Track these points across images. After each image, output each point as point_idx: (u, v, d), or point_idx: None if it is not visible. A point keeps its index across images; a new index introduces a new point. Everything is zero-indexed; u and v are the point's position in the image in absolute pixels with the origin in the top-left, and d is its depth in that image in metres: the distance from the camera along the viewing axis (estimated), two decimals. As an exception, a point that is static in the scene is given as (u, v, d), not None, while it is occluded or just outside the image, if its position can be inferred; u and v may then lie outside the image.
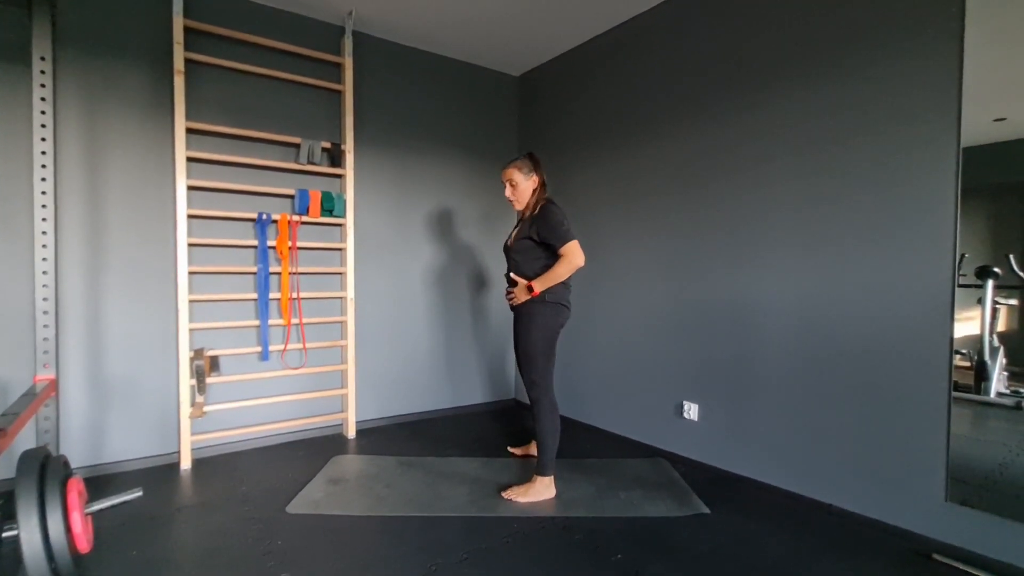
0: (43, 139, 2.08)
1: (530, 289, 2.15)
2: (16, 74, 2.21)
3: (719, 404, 2.49)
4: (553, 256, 2.16)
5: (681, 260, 2.66)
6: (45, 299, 2.11)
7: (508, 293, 2.28)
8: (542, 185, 2.30)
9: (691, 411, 2.60)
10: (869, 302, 1.97)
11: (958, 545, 1.76)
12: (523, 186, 2.28)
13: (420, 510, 2.09)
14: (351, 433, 3.03)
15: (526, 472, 2.43)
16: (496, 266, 3.66)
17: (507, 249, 2.33)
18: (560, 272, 2.11)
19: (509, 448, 2.76)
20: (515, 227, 2.36)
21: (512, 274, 2.26)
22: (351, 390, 3.02)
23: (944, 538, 1.79)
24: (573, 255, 2.11)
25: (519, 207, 2.33)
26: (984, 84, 1.69)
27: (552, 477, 2.23)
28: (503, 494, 2.21)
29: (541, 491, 2.20)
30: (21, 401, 1.85)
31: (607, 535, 1.91)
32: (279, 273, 2.81)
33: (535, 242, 2.19)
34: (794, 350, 2.20)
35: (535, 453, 2.51)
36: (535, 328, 2.19)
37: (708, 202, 2.53)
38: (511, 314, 2.44)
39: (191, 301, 2.59)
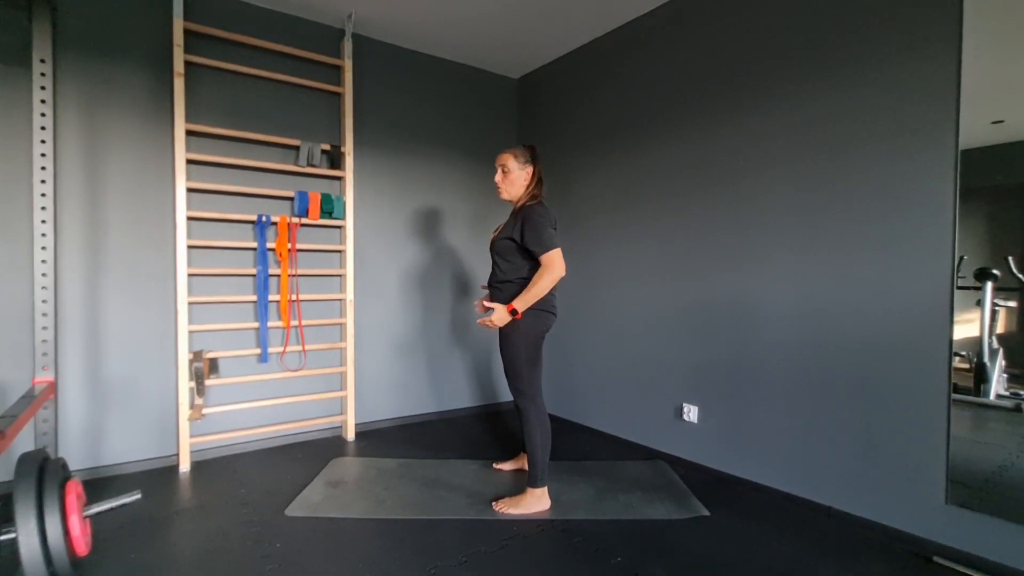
0: (43, 141, 2.09)
1: (514, 312, 2.03)
2: (16, 76, 2.21)
3: (719, 406, 2.49)
4: (533, 261, 2.07)
5: (681, 263, 2.66)
6: (44, 301, 2.11)
7: (483, 312, 2.14)
8: (538, 181, 2.18)
9: (691, 413, 2.60)
10: (868, 305, 1.97)
11: (958, 548, 1.76)
12: (515, 175, 2.17)
13: (419, 513, 2.09)
14: (350, 435, 3.02)
15: (521, 479, 2.38)
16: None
17: (491, 246, 2.25)
18: (542, 286, 2.00)
19: (495, 465, 2.57)
20: (503, 222, 2.27)
21: (486, 302, 2.17)
22: (350, 392, 3.02)
23: (944, 541, 1.79)
24: (554, 265, 1.99)
25: (506, 196, 2.22)
26: (982, 87, 1.70)
27: (545, 488, 2.14)
28: (494, 506, 2.12)
29: (532, 504, 2.10)
30: (20, 403, 1.85)
31: (606, 538, 1.91)
32: (278, 275, 2.81)
33: (516, 244, 2.09)
34: (794, 352, 2.20)
35: (522, 465, 2.47)
36: (518, 336, 2.09)
37: (708, 205, 2.53)
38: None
39: (190, 303, 2.59)
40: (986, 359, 1.74)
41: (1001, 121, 1.67)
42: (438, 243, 3.48)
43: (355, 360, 3.09)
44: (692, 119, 2.60)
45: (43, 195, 2.10)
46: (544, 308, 2.12)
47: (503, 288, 2.16)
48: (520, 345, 2.10)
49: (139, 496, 1.79)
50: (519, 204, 2.18)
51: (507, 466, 2.55)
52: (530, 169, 2.18)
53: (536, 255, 2.03)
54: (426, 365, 3.43)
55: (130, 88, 2.47)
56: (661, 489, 2.33)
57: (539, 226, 2.02)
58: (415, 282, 3.38)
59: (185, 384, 2.54)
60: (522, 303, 2.02)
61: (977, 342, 1.75)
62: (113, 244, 2.46)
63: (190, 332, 2.59)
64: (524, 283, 2.08)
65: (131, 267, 2.49)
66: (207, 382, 2.59)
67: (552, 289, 2.12)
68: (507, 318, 2.06)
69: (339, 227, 3.04)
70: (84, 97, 2.38)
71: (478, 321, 2.17)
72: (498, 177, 2.22)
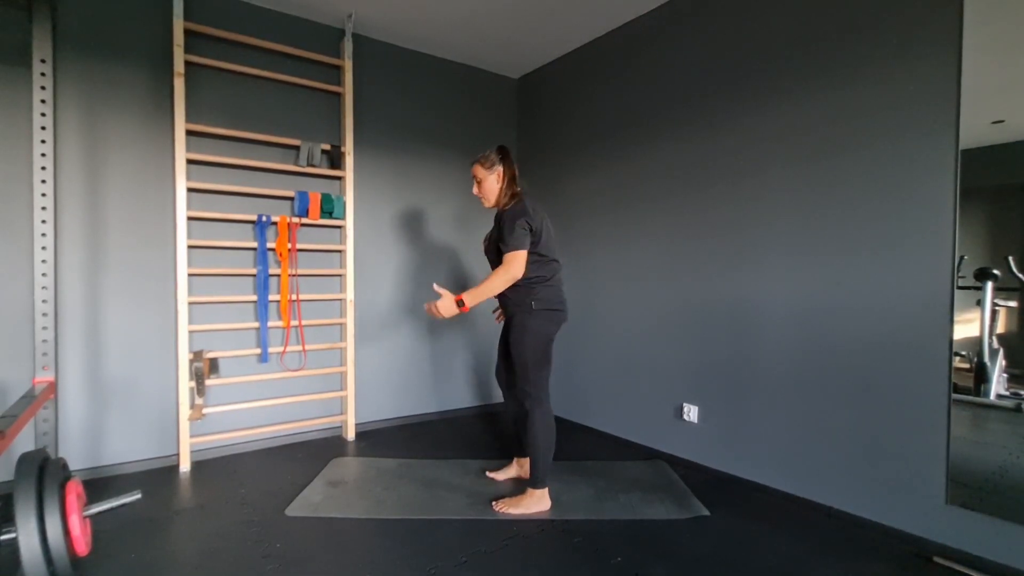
0: (43, 141, 2.09)
1: (460, 303, 2.00)
2: (16, 76, 2.21)
3: (719, 406, 2.49)
4: (534, 259, 2.05)
5: (681, 263, 2.66)
6: (44, 301, 2.11)
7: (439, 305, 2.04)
8: (511, 179, 2.15)
9: (691, 413, 2.60)
10: (868, 304, 1.97)
11: (959, 548, 1.76)
12: (487, 181, 2.17)
13: (419, 513, 2.09)
14: (350, 435, 3.02)
15: (516, 487, 2.33)
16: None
17: (486, 253, 2.24)
18: (494, 285, 1.98)
19: (488, 473, 2.46)
20: (491, 228, 2.25)
21: (436, 286, 2.11)
22: (351, 392, 3.02)
23: (945, 541, 1.79)
24: (510, 265, 1.97)
25: (487, 204, 2.22)
26: (982, 87, 1.70)
27: (546, 490, 2.13)
28: (494, 506, 2.12)
29: (533, 504, 2.09)
30: (20, 403, 1.85)
31: (607, 538, 1.91)
32: (279, 275, 2.81)
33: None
34: (794, 352, 2.20)
35: (516, 475, 2.42)
36: (527, 337, 2.07)
37: (708, 205, 2.53)
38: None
39: (190, 303, 2.59)
40: (986, 359, 1.74)
41: (1001, 121, 1.67)
42: (438, 243, 3.48)
43: (355, 360, 3.09)
44: (692, 119, 2.60)
45: (43, 195, 2.10)
46: (552, 307, 2.10)
47: (512, 298, 2.13)
48: (530, 346, 2.08)
49: (139, 496, 1.79)
50: (501, 207, 2.16)
51: (500, 475, 2.44)
52: (499, 170, 2.16)
53: (503, 252, 2.02)
54: (426, 365, 3.43)
55: (130, 88, 2.47)
56: (661, 489, 2.33)
57: (511, 226, 2.01)
58: (415, 282, 3.37)
59: (185, 384, 2.54)
60: (471, 298, 2.00)
61: (977, 342, 1.75)
62: (113, 244, 2.46)
63: (190, 332, 2.59)
64: (529, 283, 2.07)
65: (131, 267, 2.49)
66: (207, 382, 2.59)
67: (556, 286, 2.13)
68: (454, 309, 2.01)
69: (339, 227, 3.04)
70: (84, 97, 2.38)
71: (425, 305, 2.11)
72: (475, 189, 2.23)
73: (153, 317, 2.54)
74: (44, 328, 2.11)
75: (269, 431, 2.84)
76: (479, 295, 2.00)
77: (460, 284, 3.57)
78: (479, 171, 2.19)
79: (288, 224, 2.81)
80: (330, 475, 2.46)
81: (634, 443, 2.92)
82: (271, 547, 1.82)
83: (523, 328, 2.08)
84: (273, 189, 2.80)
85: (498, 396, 3.76)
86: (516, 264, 1.98)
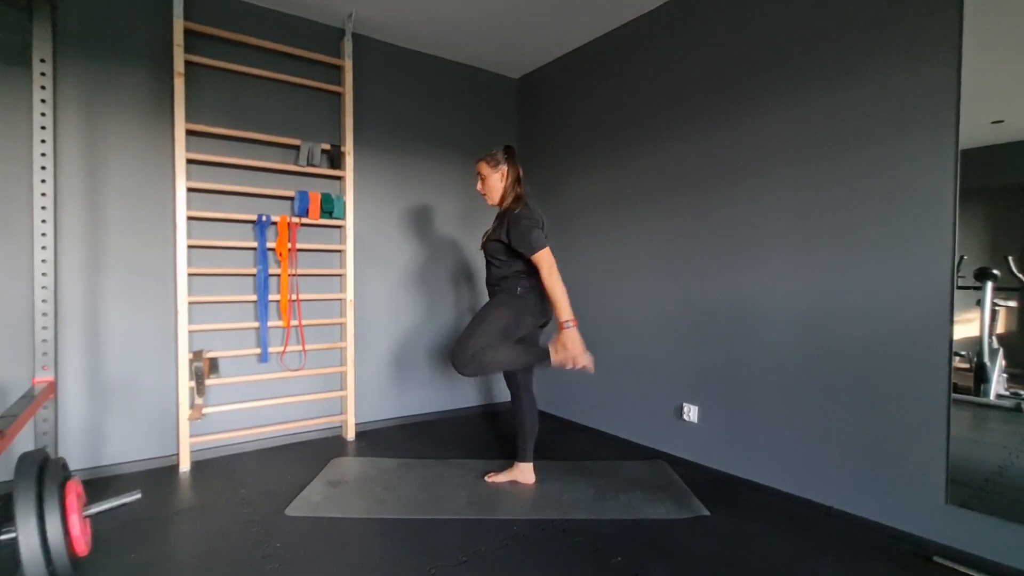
0: (43, 141, 2.08)
1: (568, 324, 2.02)
2: (16, 76, 2.21)
3: (719, 406, 2.49)
4: (524, 261, 2.11)
5: (681, 263, 2.66)
6: (44, 300, 2.10)
7: (564, 355, 2.05)
8: (516, 180, 2.21)
9: (691, 413, 2.60)
10: (868, 304, 1.97)
11: (958, 547, 1.76)
12: (491, 179, 2.23)
13: (419, 512, 2.09)
14: (350, 435, 3.02)
15: (518, 489, 2.32)
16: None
17: (483, 248, 2.29)
18: (557, 289, 2.01)
19: (487, 478, 2.39)
20: (491, 224, 2.30)
21: (553, 361, 2.09)
22: (350, 392, 3.02)
23: (944, 540, 1.79)
24: (544, 263, 2.03)
25: (490, 202, 2.28)
26: (982, 87, 1.70)
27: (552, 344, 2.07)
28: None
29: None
30: (20, 403, 1.85)
31: (607, 537, 1.91)
32: (278, 275, 2.81)
33: (505, 245, 2.14)
34: (794, 352, 2.20)
35: (518, 478, 2.38)
36: (503, 310, 2.12)
37: (708, 205, 2.53)
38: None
39: (190, 303, 2.59)
40: (986, 359, 1.74)
41: (1001, 121, 1.67)
42: (438, 242, 3.48)
43: (355, 360, 3.09)
44: (692, 119, 2.60)
45: (43, 195, 2.09)
46: (538, 299, 2.16)
47: (501, 285, 2.22)
48: (498, 314, 2.11)
49: (139, 496, 1.79)
50: (504, 207, 2.22)
51: (501, 477, 2.39)
52: (504, 169, 2.22)
53: (526, 257, 2.07)
54: (426, 365, 3.43)
55: (130, 88, 2.47)
56: (661, 489, 2.33)
57: (525, 229, 2.06)
58: (415, 282, 3.38)
59: (185, 384, 2.54)
60: (565, 313, 2.01)
61: (977, 342, 1.75)
62: (113, 244, 2.46)
63: (190, 332, 2.59)
64: (519, 277, 2.15)
65: (131, 267, 2.49)
66: (207, 382, 2.58)
67: (533, 296, 2.17)
68: (575, 334, 2.01)
69: (339, 227, 3.04)
70: (84, 97, 2.38)
71: (567, 365, 2.05)
72: (478, 186, 2.29)
73: (153, 317, 2.54)
74: (44, 328, 2.11)
75: (269, 431, 2.84)
76: (563, 306, 2.01)
77: (462, 284, 3.57)
78: (484, 168, 2.24)
79: (288, 224, 2.81)
80: (330, 475, 2.46)
81: (634, 443, 2.92)
82: (271, 547, 1.82)
83: (501, 302, 2.15)
84: (273, 189, 2.80)
85: (499, 396, 3.76)
86: (548, 259, 2.04)
